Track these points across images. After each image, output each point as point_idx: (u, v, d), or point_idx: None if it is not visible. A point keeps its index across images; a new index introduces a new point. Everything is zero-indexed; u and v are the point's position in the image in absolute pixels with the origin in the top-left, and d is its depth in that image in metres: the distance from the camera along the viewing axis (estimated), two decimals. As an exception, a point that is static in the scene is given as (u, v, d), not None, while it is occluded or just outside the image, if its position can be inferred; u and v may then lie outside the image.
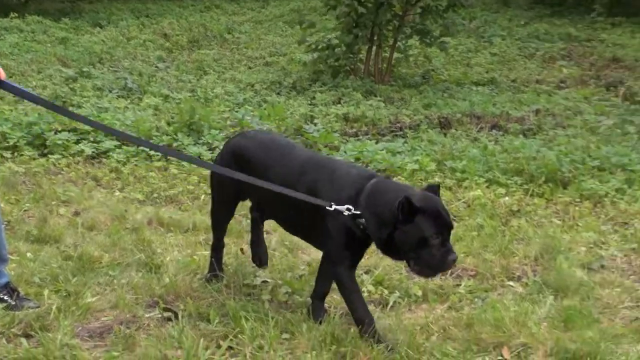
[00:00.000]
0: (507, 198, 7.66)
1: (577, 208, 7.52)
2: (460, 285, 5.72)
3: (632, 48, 19.02)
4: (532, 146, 9.16)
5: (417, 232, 4.44)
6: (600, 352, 4.59)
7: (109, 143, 8.64)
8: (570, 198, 7.75)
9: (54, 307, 4.85)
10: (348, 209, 4.60)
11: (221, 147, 5.70)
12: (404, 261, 4.68)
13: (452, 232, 4.60)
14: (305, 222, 4.93)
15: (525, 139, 9.83)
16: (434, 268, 4.54)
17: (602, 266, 6.20)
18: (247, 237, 6.43)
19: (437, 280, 5.73)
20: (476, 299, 5.53)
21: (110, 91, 12.10)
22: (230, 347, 4.53)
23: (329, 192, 4.71)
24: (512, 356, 4.65)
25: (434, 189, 4.69)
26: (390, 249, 4.62)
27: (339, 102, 12.39)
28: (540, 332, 4.93)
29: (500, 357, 4.66)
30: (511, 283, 5.81)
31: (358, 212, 4.60)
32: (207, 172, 8.04)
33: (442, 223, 4.50)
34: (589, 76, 15.94)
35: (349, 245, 4.75)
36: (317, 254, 6.13)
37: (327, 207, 4.62)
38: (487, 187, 7.92)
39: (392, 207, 4.46)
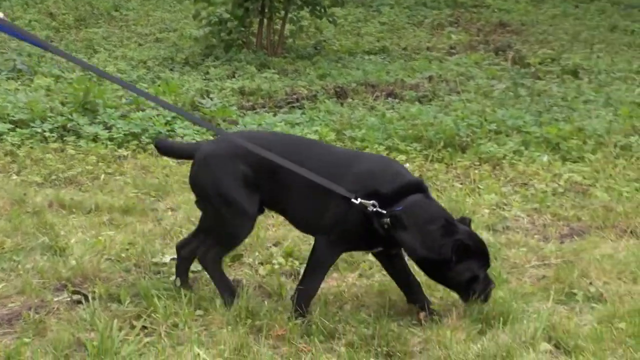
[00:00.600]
0: (408, 164, 7.69)
1: (477, 171, 7.61)
2: (368, 253, 5.73)
3: (518, 13, 19.33)
4: (429, 112, 9.23)
5: (469, 272, 4.60)
6: (512, 311, 4.65)
7: (1, 126, 8.38)
8: (469, 162, 7.84)
9: (-42, 296, 4.71)
10: (373, 205, 4.55)
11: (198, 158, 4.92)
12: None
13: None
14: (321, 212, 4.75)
15: (421, 106, 9.89)
16: (479, 298, 4.68)
17: (507, 227, 6.29)
18: (152, 214, 6.36)
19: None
20: (385, 266, 5.55)
21: (-1, 73, 11.78)
22: (144, 327, 4.44)
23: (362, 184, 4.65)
24: (427, 319, 4.69)
25: (467, 221, 4.81)
26: (428, 271, 4.73)
27: (234, 76, 12.27)
28: (453, 295, 4.98)
29: (415, 322, 4.69)
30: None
31: (384, 212, 4.56)
32: (105, 152, 7.95)
33: (488, 261, 4.72)
34: (477, 41, 16.12)
35: (355, 235, 4.73)
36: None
37: (352, 200, 4.56)
38: (388, 154, 7.93)
39: (443, 245, 4.51)
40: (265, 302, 4.77)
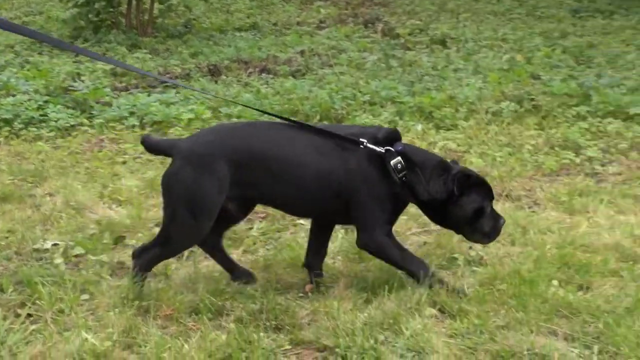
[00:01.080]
0: (286, 139, 7.69)
1: (354, 143, 7.65)
2: (252, 228, 5.74)
3: (384, -15, 19.53)
4: (303, 86, 9.25)
5: (474, 203, 4.65)
6: (397, 279, 4.72)
7: None
8: (346, 133, 7.87)
9: None
10: (387, 150, 4.57)
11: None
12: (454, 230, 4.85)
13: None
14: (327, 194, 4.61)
15: (295, 80, 9.89)
16: (491, 235, 4.77)
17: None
18: (30, 200, 6.22)
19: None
20: (270, 241, 5.56)
21: None
22: (29, 315, 4.35)
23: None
24: (314, 291, 4.72)
25: (457, 162, 4.90)
26: (439, 217, 4.77)
27: (104, 58, 12.07)
28: (337, 266, 5.02)
29: (302, 294, 4.71)
30: (301, 221, 5.85)
31: (393, 150, 4.58)
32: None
33: (491, 192, 4.77)
34: (346, 15, 16.21)
35: (388, 204, 4.67)
36: (105, 212, 6.01)
37: (361, 145, 4.56)
38: (265, 130, 7.91)
39: (445, 180, 4.60)
40: (151, 283, 4.73)
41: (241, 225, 5.73)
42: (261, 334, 4.23)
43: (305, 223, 5.79)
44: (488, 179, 6.36)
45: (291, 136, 4.66)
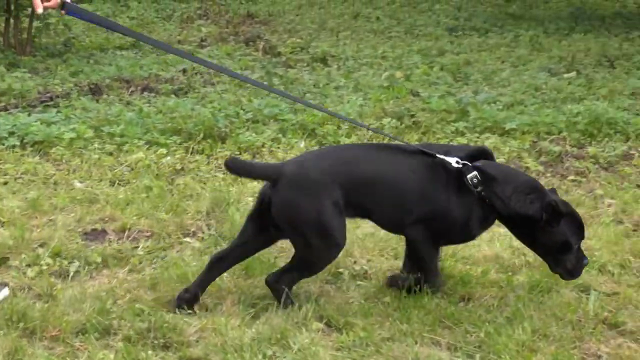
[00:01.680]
0: (169, 158, 7.67)
1: (238, 161, 7.67)
2: (138, 247, 5.71)
3: (264, 3, 19.61)
4: (186, 105, 9.22)
5: (560, 236, 4.74)
6: (285, 294, 4.77)
7: None
8: (230, 151, 7.89)
9: None
10: (457, 161, 4.74)
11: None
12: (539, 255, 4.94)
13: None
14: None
15: (178, 99, 9.86)
16: (573, 273, 4.85)
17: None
18: None
19: (115, 244, 5.71)
20: (156, 259, 5.54)
21: None
22: None
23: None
24: (201, 308, 4.73)
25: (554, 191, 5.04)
26: (525, 238, 4.91)
27: (-19, 77, 11.82)
28: (224, 282, 5.04)
29: (189, 312, 4.71)
30: (188, 239, 5.87)
31: (469, 164, 4.75)
32: None
33: (582, 231, 4.84)
34: (227, 33, 16.20)
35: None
36: None
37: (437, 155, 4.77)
38: (148, 149, 7.88)
39: (532, 201, 4.73)
40: (37, 304, 4.67)
41: (126, 244, 5.72)
42: (149, 352, 4.24)
43: (192, 241, 5.82)
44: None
45: (391, 159, 4.87)
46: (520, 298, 4.87)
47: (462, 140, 8.13)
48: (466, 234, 4.93)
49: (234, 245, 4.92)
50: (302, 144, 8.08)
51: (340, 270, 5.26)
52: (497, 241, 5.66)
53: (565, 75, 11.19)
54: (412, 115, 8.84)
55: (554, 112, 8.97)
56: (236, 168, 4.99)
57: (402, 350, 4.30)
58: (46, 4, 4.41)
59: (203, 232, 5.98)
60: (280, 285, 4.73)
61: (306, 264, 4.78)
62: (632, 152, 7.91)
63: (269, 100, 9.32)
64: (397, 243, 5.64)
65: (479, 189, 4.72)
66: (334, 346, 4.37)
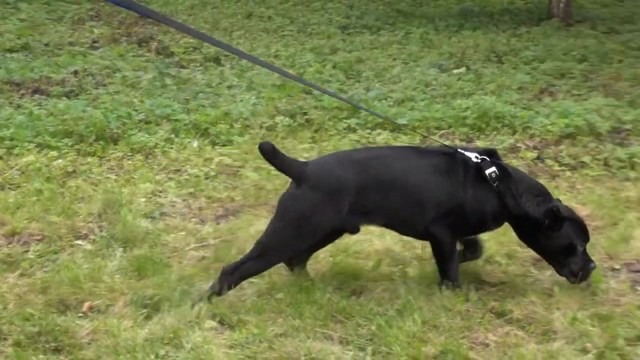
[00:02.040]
0: (60, 160, 7.56)
1: (130, 162, 7.61)
2: (28, 251, 5.63)
3: (157, 4, 19.29)
4: (77, 107, 9.09)
5: (565, 239, 4.92)
6: (177, 294, 4.77)
7: None
8: (122, 153, 7.82)
9: None
10: (476, 157, 4.94)
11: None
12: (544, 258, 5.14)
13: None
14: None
15: (69, 101, 9.71)
16: (578, 276, 4.96)
17: (164, 213, 6.38)
18: None
19: (5, 249, 5.63)
20: (47, 262, 5.47)
21: None
22: None
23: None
24: (94, 311, 4.69)
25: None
26: (529, 239, 5.11)
27: None
28: (116, 284, 5.01)
29: (81, 314, 4.67)
30: (79, 242, 5.81)
31: (487, 158, 4.94)
32: None
33: (586, 235, 5.01)
34: (120, 34, 15.99)
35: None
36: None
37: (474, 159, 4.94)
38: (39, 151, 7.75)
39: (538, 204, 4.91)
40: None
41: (17, 248, 5.63)
42: (40, 356, 4.20)
43: (83, 243, 5.76)
44: (263, 193, 6.58)
45: (408, 165, 4.99)
46: (410, 290, 4.94)
47: (354, 137, 8.21)
48: (482, 225, 5.09)
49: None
50: (196, 144, 8.05)
51: (234, 268, 5.27)
52: (387, 235, 5.73)
53: (455, 71, 11.37)
54: (305, 113, 8.90)
55: (444, 107, 9.13)
56: (269, 152, 5.02)
57: (294, 346, 4.33)
58: None
59: (95, 234, 5.92)
60: (232, 277, 4.82)
61: (264, 253, 4.86)
62: (518, 145, 8.09)
63: (162, 101, 9.27)
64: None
65: (496, 183, 4.90)
66: (226, 344, 4.39)
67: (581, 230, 5.01)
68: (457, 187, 4.92)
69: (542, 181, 6.54)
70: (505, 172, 4.94)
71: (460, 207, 4.92)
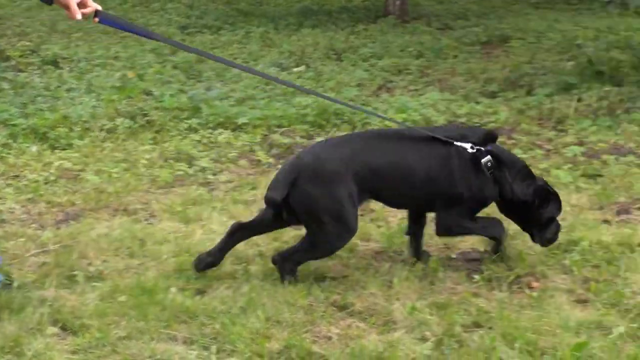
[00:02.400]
0: None
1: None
2: None
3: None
4: None
5: (548, 214, 5.28)
6: (17, 301, 4.68)
7: None
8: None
9: None
10: (471, 147, 5.13)
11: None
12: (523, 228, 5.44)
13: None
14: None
15: None
16: (552, 241, 5.38)
17: (2, 220, 6.23)
18: None
19: None
20: None
21: None
22: None
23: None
24: None
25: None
26: (513, 215, 5.42)
27: None
28: None
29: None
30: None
31: (482, 149, 5.14)
32: None
33: (561, 207, 5.42)
34: (-47, 38, 15.55)
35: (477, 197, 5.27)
36: None
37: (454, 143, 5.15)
38: None
39: (526, 185, 5.22)
40: None
41: None
42: None
43: None
44: (104, 196, 6.52)
45: (402, 146, 5.22)
46: (253, 288, 4.97)
47: (196, 137, 8.20)
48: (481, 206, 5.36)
49: (256, 220, 5.33)
50: (35, 148, 7.88)
51: (75, 272, 5.18)
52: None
53: (295, 70, 11.49)
54: (145, 115, 8.82)
55: (284, 105, 9.20)
56: None
57: (138, 348, 4.30)
58: (83, 10, 4.58)
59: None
60: (288, 263, 5.10)
61: (318, 248, 5.14)
62: (357, 139, 8.21)
63: (-3, 105, 9.04)
64: (132, 242, 5.65)
65: (491, 172, 5.15)
66: (69, 349, 4.31)
67: (559, 203, 5.40)
68: (457, 176, 5.18)
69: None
70: (499, 160, 5.20)
71: (460, 195, 5.21)
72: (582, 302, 4.85)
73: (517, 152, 7.40)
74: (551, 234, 5.36)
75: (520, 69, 10.74)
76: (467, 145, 5.13)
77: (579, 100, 9.01)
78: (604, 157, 7.36)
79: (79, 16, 4.57)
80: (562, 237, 5.49)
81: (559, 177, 6.84)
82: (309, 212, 5.03)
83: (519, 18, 14.81)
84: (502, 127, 8.24)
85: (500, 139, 7.42)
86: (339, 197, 5.00)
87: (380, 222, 6.10)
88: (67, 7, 4.55)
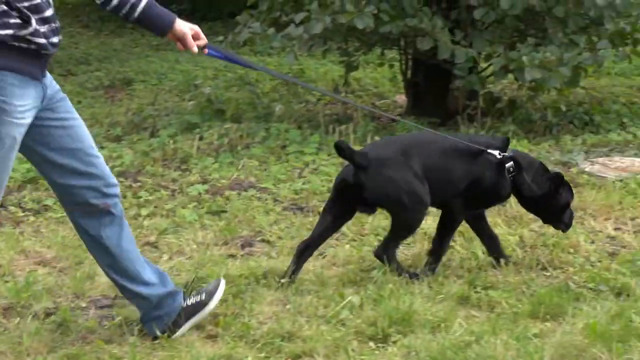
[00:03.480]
0: None
1: None
2: None
3: None
4: None
5: (565, 199, 5.91)
6: None
7: None
8: None
9: None
10: (499, 153, 5.79)
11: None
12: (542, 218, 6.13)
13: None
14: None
15: None
16: (569, 225, 6.03)
17: None
18: None
19: None
20: None
21: None
22: None
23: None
24: None
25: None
26: (532, 206, 6.07)
27: None
28: None
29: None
30: None
31: (507, 155, 5.84)
32: None
33: (572, 192, 6.09)
34: None
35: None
36: None
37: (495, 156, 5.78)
38: None
39: (546, 180, 5.91)
40: None
41: None
42: None
43: None
44: None
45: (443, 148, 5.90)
46: None
47: None
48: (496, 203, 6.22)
49: (317, 234, 5.79)
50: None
51: None
52: None
53: None
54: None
55: None
56: (343, 149, 5.70)
57: None
58: (198, 42, 4.67)
59: None
60: (389, 252, 5.69)
61: (404, 226, 5.77)
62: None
63: None
64: None
65: (512, 175, 5.81)
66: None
67: (571, 190, 6.04)
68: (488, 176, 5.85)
69: (6, 229, 6.52)
70: (518, 165, 5.83)
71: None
72: (212, 337, 4.94)
73: (144, 195, 7.47)
74: (568, 218, 5.98)
75: (144, 111, 10.75)
76: (496, 152, 5.77)
77: (201, 139, 9.16)
78: (227, 193, 7.54)
79: (195, 49, 4.66)
80: (189, 275, 5.59)
81: (184, 217, 6.91)
82: (387, 196, 5.70)
83: (141, 61, 14.87)
84: (128, 171, 8.19)
85: (125, 183, 7.56)
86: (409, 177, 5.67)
87: (7, 277, 5.86)
88: (181, 40, 4.60)
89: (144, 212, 7.09)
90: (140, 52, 15.78)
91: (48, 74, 4.62)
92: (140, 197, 7.44)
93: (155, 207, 7.23)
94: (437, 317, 5.04)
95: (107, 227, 4.75)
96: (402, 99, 11.15)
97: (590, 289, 5.55)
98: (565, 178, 6.01)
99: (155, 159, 8.59)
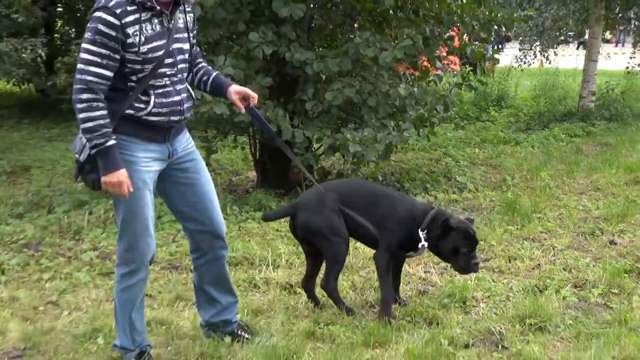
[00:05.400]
0: None
1: None
2: None
3: None
4: None
5: (451, 244, 5.48)
6: None
7: None
8: None
9: None
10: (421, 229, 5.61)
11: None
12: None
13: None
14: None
15: None
16: (467, 269, 5.56)
17: None
18: None
19: None
20: None
21: None
22: None
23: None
24: None
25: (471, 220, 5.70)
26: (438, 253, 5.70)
27: None
28: None
29: None
30: None
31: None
32: None
33: (472, 242, 5.49)
34: None
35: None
36: None
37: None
38: None
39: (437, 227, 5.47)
40: None
41: None
42: None
43: None
44: None
45: (376, 199, 5.76)
46: None
47: None
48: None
49: (308, 269, 5.95)
50: None
51: None
52: None
53: None
54: None
55: None
56: (272, 216, 6.21)
57: None
58: (244, 103, 4.80)
59: None
60: (330, 284, 5.74)
61: (335, 258, 5.63)
62: None
63: None
64: None
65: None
66: None
67: (465, 237, 5.45)
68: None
69: None
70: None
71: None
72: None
73: (45, 262, 7.37)
74: (464, 263, 5.49)
75: (41, 192, 10.58)
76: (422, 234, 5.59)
77: (91, 213, 9.10)
78: (114, 257, 7.50)
79: (242, 111, 4.81)
80: (86, 326, 5.57)
81: (80, 279, 6.84)
82: (313, 234, 5.66)
83: (37, 150, 14.56)
84: (30, 242, 8.06)
85: (28, 253, 7.45)
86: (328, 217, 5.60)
87: None
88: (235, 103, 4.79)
89: (45, 276, 6.96)
90: (36, 143, 15.42)
91: (180, 137, 4.69)
92: (42, 264, 7.32)
93: (55, 271, 7.13)
94: (289, 350, 5.14)
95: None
96: (253, 174, 11.36)
97: (408, 320, 5.79)
98: (454, 224, 5.51)
99: (53, 232, 8.47)
